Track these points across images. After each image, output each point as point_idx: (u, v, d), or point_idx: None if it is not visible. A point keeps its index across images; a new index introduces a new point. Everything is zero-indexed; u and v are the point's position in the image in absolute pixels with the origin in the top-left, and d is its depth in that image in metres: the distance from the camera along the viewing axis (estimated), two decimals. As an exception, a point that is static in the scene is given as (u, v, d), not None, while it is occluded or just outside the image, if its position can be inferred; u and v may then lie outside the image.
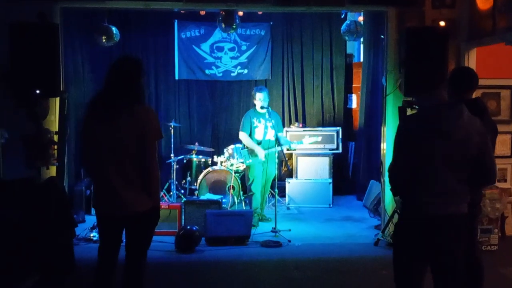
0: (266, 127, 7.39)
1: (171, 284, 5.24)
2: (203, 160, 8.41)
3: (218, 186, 7.91)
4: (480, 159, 3.24)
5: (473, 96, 4.30)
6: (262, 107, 7.32)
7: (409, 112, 6.03)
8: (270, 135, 7.39)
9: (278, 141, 7.15)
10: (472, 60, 6.46)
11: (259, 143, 7.38)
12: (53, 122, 6.03)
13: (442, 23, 6.35)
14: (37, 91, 5.47)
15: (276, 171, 7.39)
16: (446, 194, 3.22)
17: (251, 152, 7.41)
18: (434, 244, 3.24)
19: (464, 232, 3.32)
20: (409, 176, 3.27)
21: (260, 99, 7.34)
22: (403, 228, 3.39)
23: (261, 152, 7.28)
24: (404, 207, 3.39)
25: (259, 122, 7.42)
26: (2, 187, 4.14)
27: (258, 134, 7.42)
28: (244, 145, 7.57)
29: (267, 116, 7.29)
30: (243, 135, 7.46)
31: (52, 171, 5.83)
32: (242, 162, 7.62)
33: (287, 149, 8.53)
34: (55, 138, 5.84)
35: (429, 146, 3.19)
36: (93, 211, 7.66)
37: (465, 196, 3.29)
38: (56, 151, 5.81)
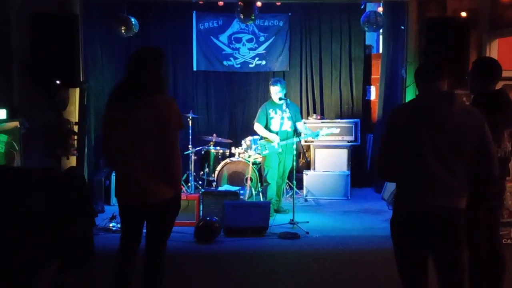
0: (282, 118, 7.38)
1: (191, 274, 5.26)
2: (221, 151, 8.41)
3: (235, 178, 7.92)
4: (477, 152, 3.12)
5: (497, 88, 4.23)
6: (280, 99, 7.30)
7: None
8: (287, 126, 7.38)
9: (296, 132, 7.14)
10: (493, 51, 6.40)
11: (275, 134, 7.37)
12: (73, 112, 6.08)
13: (463, 14, 6.28)
14: (57, 82, 5.51)
15: (294, 163, 7.37)
16: (434, 186, 3.09)
17: (267, 143, 7.40)
18: (426, 238, 3.14)
19: (460, 228, 3.16)
20: (400, 166, 3.16)
21: (275, 92, 7.33)
22: (395, 220, 3.29)
23: (275, 138, 7.27)
24: (397, 198, 3.29)
25: (275, 113, 7.41)
26: (24, 176, 4.18)
27: (275, 125, 7.41)
28: (261, 137, 7.57)
29: (284, 107, 7.28)
30: (257, 126, 7.47)
31: (72, 161, 5.88)
32: (259, 153, 7.62)
33: (305, 141, 8.53)
34: (75, 128, 5.88)
35: (418, 136, 3.07)
36: (112, 201, 7.76)
37: (460, 191, 3.14)
38: (76, 141, 5.85)
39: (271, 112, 7.41)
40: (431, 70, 3.23)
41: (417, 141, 3.08)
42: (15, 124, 5.35)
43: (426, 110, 3.10)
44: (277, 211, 7.54)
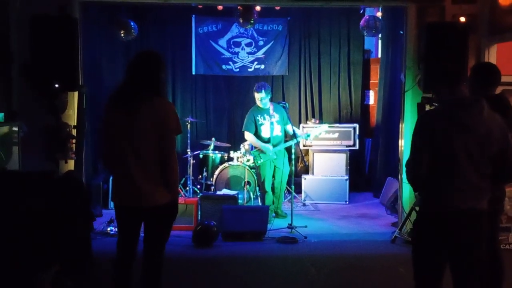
0: (272, 123, 7.30)
1: (189, 279, 5.25)
2: (219, 155, 8.41)
3: (234, 182, 7.91)
4: (503, 154, 3.22)
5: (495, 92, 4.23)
6: (264, 104, 7.24)
7: (428, 108, 5.97)
8: (277, 131, 7.31)
9: (294, 135, 7.11)
10: (492, 56, 6.39)
11: (267, 140, 7.32)
12: (72, 116, 6.06)
13: (462, 19, 6.27)
14: (56, 85, 5.50)
15: (292, 167, 7.36)
16: (466, 189, 3.20)
17: (260, 151, 7.35)
18: (453, 240, 3.22)
19: (484, 229, 3.29)
20: (428, 171, 3.23)
21: (259, 98, 7.25)
22: (422, 223, 3.38)
23: (268, 148, 7.23)
24: (424, 202, 3.36)
25: (264, 119, 7.33)
26: (23, 179, 4.18)
27: (265, 131, 7.35)
28: (251, 145, 7.54)
29: (271, 111, 7.23)
30: (248, 135, 7.39)
31: (70, 165, 5.87)
32: (255, 163, 7.59)
33: (304, 145, 8.52)
34: (74, 132, 5.87)
35: (450, 141, 3.16)
36: (110, 205, 7.74)
37: (486, 193, 3.27)
38: (74, 145, 5.84)
39: (260, 119, 7.33)
40: (455, 75, 3.35)
41: (450, 146, 3.17)
42: (5, 130, 5.21)
43: (458, 115, 3.19)
44: (276, 214, 7.52)
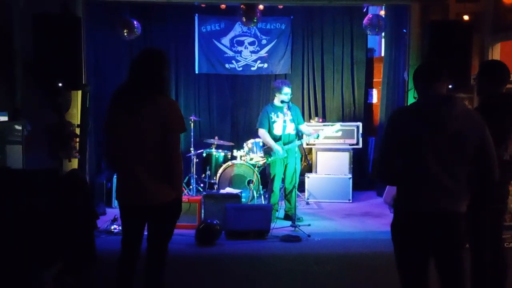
0: (284, 121, 7.25)
1: (192, 277, 5.25)
2: (222, 154, 8.41)
3: (237, 180, 7.91)
4: (480, 153, 3.10)
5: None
6: (282, 101, 7.24)
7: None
8: (290, 129, 7.28)
9: (298, 135, 7.10)
10: (496, 55, 6.39)
11: (279, 138, 7.31)
12: (75, 115, 6.08)
13: (466, 17, 6.27)
14: (60, 84, 5.51)
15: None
16: (435, 190, 3.07)
17: (270, 150, 7.32)
18: (425, 240, 3.13)
19: (461, 232, 3.15)
20: (401, 169, 3.15)
21: (287, 93, 7.16)
22: (396, 223, 3.29)
23: (279, 149, 7.20)
24: (398, 201, 3.28)
25: (277, 116, 7.32)
26: (27, 177, 4.19)
27: (277, 129, 7.33)
28: (263, 142, 7.52)
29: (285, 110, 7.21)
30: (262, 132, 7.33)
31: (74, 163, 5.88)
32: (262, 157, 7.58)
33: (307, 144, 8.49)
34: (77, 130, 5.88)
35: (418, 140, 3.05)
36: (113, 203, 7.75)
37: (461, 194, 3.13)
38: (77, 143, 5.85)
39: (273, 116, 7.32)
40: (430, 72, 3.20)
41: (418, 144, 3.06)
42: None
43: (427, 113, 3.08)
44: (288, 217, 7.38)
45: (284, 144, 7.24)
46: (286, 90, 7.19)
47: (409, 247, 3.20)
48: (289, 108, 7.15)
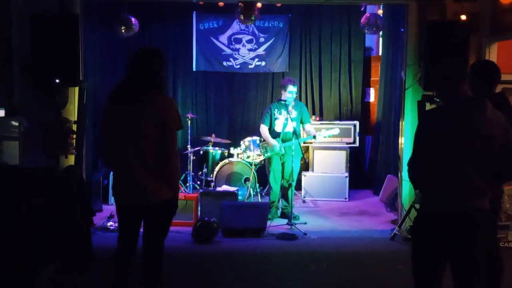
0: (286, 119, 7.28)
1: (189, 274, 5.26)
2: (219, 151, 8.42)
3: (234, 178, 7.93)
4: (506, 154, 3.21)
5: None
6: (288, 99, 7.24)
7: (428, 106, 5.98)
8: (290, 128, 7.30)
9: (295, 134, 7.09)
10: (493, 55, 6.39)
11: (278, 134, 7.34)
12: (72, 111, 6.07)
13: (463, 17, 6.27)
14: (57, 80, 5.51)
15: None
16: (468, 190, 3.17)
17: (268, 145, 7.37)
18: (453, 239, 3.20)
19: (486, 229, 3.25)
20: (430, 170, 3.22)
21: (294, 92, 7.24)
22: (422, 222, 3.35)
23: (274, 143, 7.23)
24: (425, 201, 3.35)
25: (280, 114, 7.36)
26: (25, 175, 4.18)
27: (278, 126, 7.38)
28: (262, 139, 7.55)
29: (290, 108, 7.23)
30: (262, 128, 7.42)
31: (71, 160, 5.87)
32: (259, 155, 7.61)
33: (304, 143, 8.49)
34: (74, 127, 5.88)
35: (452, 141, 3.15)
36: (110, 200, 7.76)
37: (487, 193, 3.24)
38: (74, 140, 5.85)
39: (276, 113, 7.36)
40: (458, 73, 3.28)
41: (451, 147, 3.15)
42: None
43: (460, 117, 3.16)
44: (284, 215, 7.39)
45: (282, 141, 7.27)
46: (291, 88, 7.25)
47: (432, 246, 3.27)
48: (294, 107, 7.19)
